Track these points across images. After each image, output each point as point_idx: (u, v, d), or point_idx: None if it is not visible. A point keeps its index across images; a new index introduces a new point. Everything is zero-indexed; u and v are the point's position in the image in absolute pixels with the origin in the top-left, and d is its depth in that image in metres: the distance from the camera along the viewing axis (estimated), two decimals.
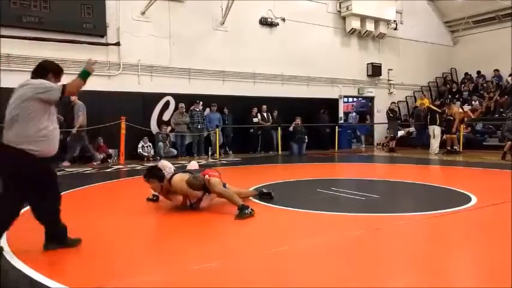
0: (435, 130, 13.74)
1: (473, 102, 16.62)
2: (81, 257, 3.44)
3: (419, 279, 2.99)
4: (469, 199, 5.78)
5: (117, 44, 11.99)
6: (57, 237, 3.45)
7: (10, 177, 3.23)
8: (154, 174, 5.08)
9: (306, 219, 4.87)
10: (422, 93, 18.12)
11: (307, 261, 3.39)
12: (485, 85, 17.56)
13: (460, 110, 15.58)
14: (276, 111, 14.36)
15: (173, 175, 5.06)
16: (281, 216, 5.03)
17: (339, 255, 3.58)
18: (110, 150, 11.63)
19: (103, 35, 11.80)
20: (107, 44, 11.89)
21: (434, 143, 13.76)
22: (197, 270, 3.08)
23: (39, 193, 3.32)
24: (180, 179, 4.95)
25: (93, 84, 11.42)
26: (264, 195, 5.86)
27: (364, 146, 17.69)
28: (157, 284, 2.88)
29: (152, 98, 12.62)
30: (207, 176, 5.09)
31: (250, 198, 5.75)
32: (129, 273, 3.05)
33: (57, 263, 3.33)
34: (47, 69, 3.49)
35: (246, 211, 4.73)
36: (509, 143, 11.49)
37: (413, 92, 18.44)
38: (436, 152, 13.53)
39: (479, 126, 15.55)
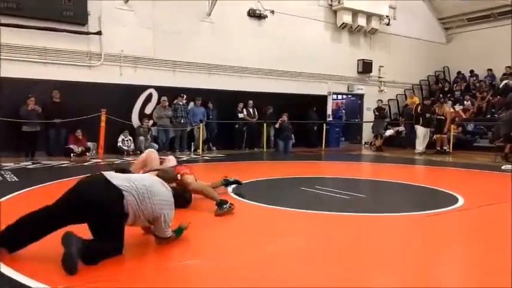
0: (417, 130, 13.53)
1: (465, 102, 16.36)
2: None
3: (403, 279, 2.96)
4: (456, 200, 5.66)
5: (99, 33, 11.52)
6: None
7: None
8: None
9: (288, 217, 4.76)
10: (413, 91, 17.84)
11: (289, 260, 3.29)
12: (477, 84, 17.31)
13: (452, 110, 15.38)
14: (271, 108, 13.91)
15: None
16: (263, 214, 4.90)
17: (322, 255, 3.47)
18: (89, 144, 11.23)
19: (84, 23, 11.33)
20: (88, 33, 11.43)
21: (417, 143, 13.50)
22: (177, 266, 3.06)
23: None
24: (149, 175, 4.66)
25: (73, 74, 11.24)
26: (232, 183, 5.82)
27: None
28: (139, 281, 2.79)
29: (134, 91, 12.19)
30: (179, 175, 4.79)
31: (230, 194, 5.66)
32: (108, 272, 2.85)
33: (34, 261, 2.99)
34: None
35: (225, 206, 4.57)
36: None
37: (404, 90, 18.10)
38: (418, 151, 13.26)
39: (470, 126, 15.29)
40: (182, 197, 3.96)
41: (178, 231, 3.50)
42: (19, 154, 10.14)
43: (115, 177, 3.14)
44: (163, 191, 3.31)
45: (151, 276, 2.87)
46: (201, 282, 2.87)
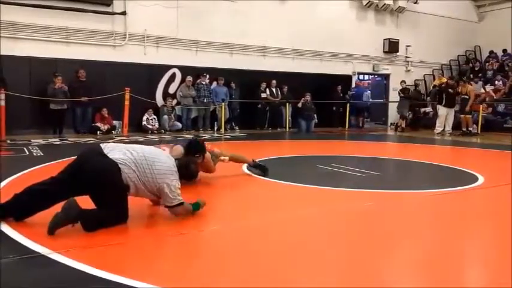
0: (439, 110, 13.22)
1: (496, 82, 15.77)
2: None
3: (411, 252, 2.96)
4: (475, 179, 5.54)
5: (123, 13, 11.71)
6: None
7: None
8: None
9: (296, 191, 4.78)
10: (442, 71, 17.30)
11: (286, 227, 3.44)
12: (510, 64, 16.62)
13: (482, 90, 14.89)
14: (286, 87, 13.89)
15: None
16: (271, 188, 4.95)
17: (324, 227, 3.50)
18: (115, 122, 11.51)
19: (109, 3, 11.54)
20: (113, 13, 11.63)
21: (437, 123, 13.20)
22: (177, 235, 3.12)
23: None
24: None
25: (97, 54, 11.48)
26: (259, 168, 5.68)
27: None
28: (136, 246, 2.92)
29: (158, 70, 12.35)
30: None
31: (244, 170, 5.71)
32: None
33: (39, 227, 3.06)
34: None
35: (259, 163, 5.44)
36: None
37: (433, 71, 17.59)
38: (437, 131, 12.96)
39: (500, 107, 14.77)
40: (188, 170, 3.96)
41: (196, 206, 3.48)
42: (47, 131, 10.53)
43: (112, 150, 3.18)
44: (165, 160, 3.29)
45: (149, 243, 2.96)
46: (200, 249, 2.97)
